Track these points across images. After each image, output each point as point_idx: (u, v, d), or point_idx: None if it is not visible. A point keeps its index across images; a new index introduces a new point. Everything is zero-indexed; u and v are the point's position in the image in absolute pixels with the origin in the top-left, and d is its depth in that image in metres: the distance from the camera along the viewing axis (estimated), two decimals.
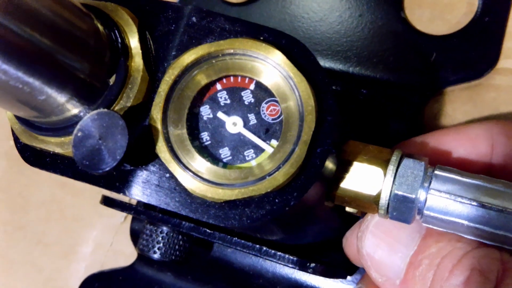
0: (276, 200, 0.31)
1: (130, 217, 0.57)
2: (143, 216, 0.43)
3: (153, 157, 0.33)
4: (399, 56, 0.51)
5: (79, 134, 0.30)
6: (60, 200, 0.61)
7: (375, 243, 0.36)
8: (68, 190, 0.61)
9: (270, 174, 0.31)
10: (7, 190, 0.63)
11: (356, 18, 0.52)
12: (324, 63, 0.52)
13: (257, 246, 0.40)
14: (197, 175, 0.32)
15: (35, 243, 0.61)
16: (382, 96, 0.50)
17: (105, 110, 0.30)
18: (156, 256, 0.45)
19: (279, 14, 0.55)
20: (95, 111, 0.30)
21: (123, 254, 0.57)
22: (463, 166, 0.39)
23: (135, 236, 0.54)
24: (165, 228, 0.45)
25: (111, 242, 0.59)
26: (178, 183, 0.32)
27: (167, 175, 0.32)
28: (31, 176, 0.62)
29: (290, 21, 0.54)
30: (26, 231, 0.62)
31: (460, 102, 0.50)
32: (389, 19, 0.52)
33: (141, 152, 0.32)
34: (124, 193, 0.33)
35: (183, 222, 0.41)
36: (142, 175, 0.33)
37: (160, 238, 0.45)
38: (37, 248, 0.61)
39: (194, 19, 0.34)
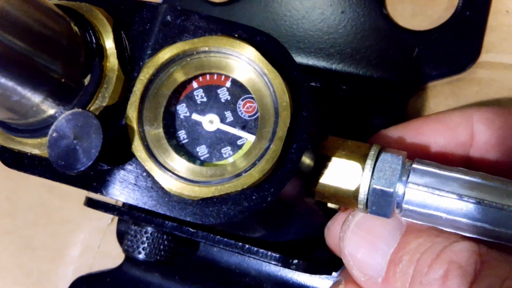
0: (253, 197, 0.31)
1: (117, 219, 0.57)
2: (126, 217, 0.43)
3: (130, 156, 0.33)
4: (381, 52, 0.51)
5: (54, 135, 0.30)
6: (47, 204, 0.61)
7: (357, 242, 0.36)
8: (56, 194, 0.61)
9: (246, 171, 0.31)
10: None
11: (338, 15, 0.52)
12: (307, 60, 0.52)
13: (240, 244, 0.40)
14: (173, 173, 0.32)
15: (23, 247, 0.61)
16: (365, 92, 0.50)
17: (80, 110, 0.30)
18: (141, 256, 0.45)
19: (261, 12, 0.55)
20: (69, 112, 0.30)
21: (111, 256, 0.57)
22: (443, 155, 0.39)
23: (122, 237, 0.54)
24: (149, 228, 0.45)
25: (98, 245, 0.59)
26: (155, 182, 0.32)
27: (144, 174, 0.32)
28: (18, 180, 0.62)
29: (273, 19, 0.54)
30: (14, 235, 0.61)
31: (442, 97, 0.50)
32: (371, 16, 0.52)
33: (117, 151, 0.32)
34: (102, 193, 0.33)
35: (166, 222, 0.41)
36: (119, 175, 0.33)
37: (145, 238, 0.45)
38: (25, 252, 0.61)
39: (169, 17, 0.34)
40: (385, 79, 0.50)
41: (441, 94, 0.50)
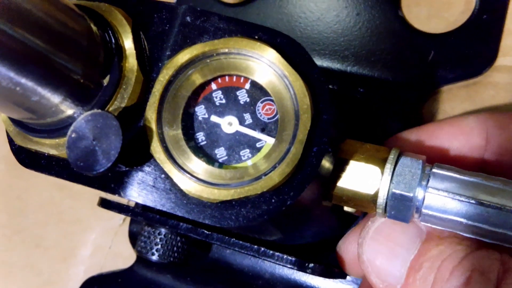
0: (273, 200, 0.31)
1: (128, 219, 0.57)
2: (141, 218, 0.43)
3: (148, 158, 0.32)
4: (397, 54, 0.51)
5: (73, 136, 0.30)
6: (58, 203, 0.61)
7: (376, 249, 0.36)
8: (67, 193, 0.61)
9: (265, 174, 0.31)
10: (6, 194, 0.63)
11: (354, 17, 0.52)
12: (322, 62, 0.52)
13: (255, 246, 0.40)
14: (192, 176, 0.31)
15: (34, 247, 0.61)
16: (380, 94, 0.50)
17: (99, 111, 0.30)
18: (155, 257, 0.45)
19: (276, 14, 0.55)
20: (89, 112, 0.30)
21: (122, 257, 0.57)
22: (458, 159, 0.39)
23: (134, 238, 0.54)
24: (163, 230, 0.45)
25: (110, 245, 0.58)
26: (174, 184, 0.32)
27: (162, 175, 0.32)
28: (30, 179, 0.62)
29: (287, 21, 0.54)
30: (24, 234, 0.61)
31: (458, 101, 0.50)
32: (387, 18, 0.51)
33: (136, 152, 0.32)
34: (119, 194, 0.33)
35: (181, 224, 0.41)
36: (137, 176, 0.33)
37: (158, 240, 0.45)
38: (36, 251, 0.61)
39: (188, 18, 0.33)
40: (400, 82, 0.50)
41: (457, 97, 0.50)
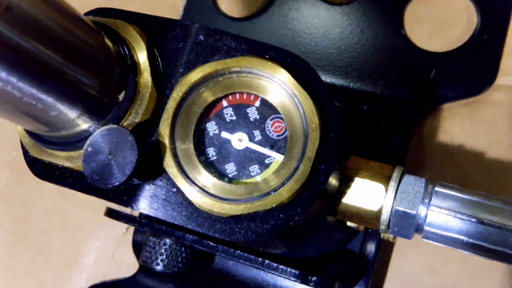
0: (281, 215, 0.32)
1: (132, 228, 0.57)
2: (147, 228, 0.44)
3: (161, 172, 0.33)
4: (399, 72, 0.52)
5: (89, 149, 0.31)
6: (62, 211, 0.62)
7: None
8: (71, 201, 0.62)
9: (275, 190, 0.32)
10: (10, 201, 0.63)
11: (357, 34, 0.53)
12: (325, 78, 0.53)
13: (260, 259, 0.41)
14: (203, 190, 0.32)
15: (37, 254, 0.61)
16: (382, 111, 0.51)
17: (115, 126, 0.31)
18: (159, 268, 0.46)
19: (281, 29, 0.56)
20: (105, 127, 0.31)
21: (125, 265, 0.58)
22: None
23: (137, 247, 0.55)
24: (168, 240, 0.46)
25: (113, 253, 0.59)
26: (185, 198, 0.33)
27: (174, 189, 0.33)
28: (34, 186, 0.63)
29: (292, 36, 0.55)
30: (28, 241, 0.62)
31: (458, 118, 0.50)
32: (390, 36, 0.52)
33: (149, 166, 0.33)
34: (132, 207, 0.33)
35: (187, 235, 0.42)
36: (149, 189, 0.34)
37: (163, 250, 0.46)
38: (39, 258, 0.61)
39: (201, 37, 0.35)
40: (402, 99, 0.51)
41: (457, 115, 0.51)
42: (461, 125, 0.50)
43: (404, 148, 0.49)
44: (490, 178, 0.48)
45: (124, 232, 0.59)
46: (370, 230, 0.46)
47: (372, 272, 0.45)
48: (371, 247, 0.46)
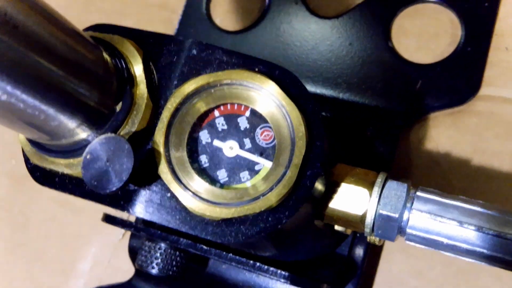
0: (269, 219, 0.34)
1: (128, 234, 0.59)
2: (143, 233, 0.45)
3: (156, 178, 0.35)
4: (386, 83, 0.53)
5: (88, 157, 0.33)
6: (59, 218, 0.62)
7: None
8: (68, 209, 0.62)
9: (264, 195, 0.33)
10: (9, 208, 0.64)
11: (346, 47, 0.55)
12: (315, 89, 0.55)
13: (251, 261, 0.42)
14: (196, 195, 0.34)
15: (34, 260, 0.62)
16: (370, 121, 0.52)
17: (113, 135, 0.33)
18: (154, 271, 0.47)
19: (273, 42, 0.57)
20: (103, 136, 0.33)
21: (121, 271, 0.59)
22: None
23: (133, 253, 0.56)
24: (163, 245, 0.47)
25: (109, 259, 0.60)
26: (179, 202, 0.34)
27: (169, 194, 0.35)
28: (32, 194, 0.64)
29: (283, 49, 0.57)
30: (26, 248, 0.63)
31: (443, 127, 0.52)
32: (378, 48, 0.54)
33: (144, 173, 0.35)
34: (128, 211, 0.35)
35: (181, 239, 0.44)
36: (145, 195, 0.35)
37: (158, 254, 0.47)
38: (37, 265, 0.62)
39: (194, 51, 0.36)
40: (390, 109, 0.53)
41: (442, 124, 0.52)
42: (446, 133, 0.52)
43: (391, 155, 0.50)
44: (475, 184, 0.49)
45: (120, 239, 0.60)
46: (358, 235, 0.47)
47: (360, 275, 0.47)
48: (359, 251, 0.47)
